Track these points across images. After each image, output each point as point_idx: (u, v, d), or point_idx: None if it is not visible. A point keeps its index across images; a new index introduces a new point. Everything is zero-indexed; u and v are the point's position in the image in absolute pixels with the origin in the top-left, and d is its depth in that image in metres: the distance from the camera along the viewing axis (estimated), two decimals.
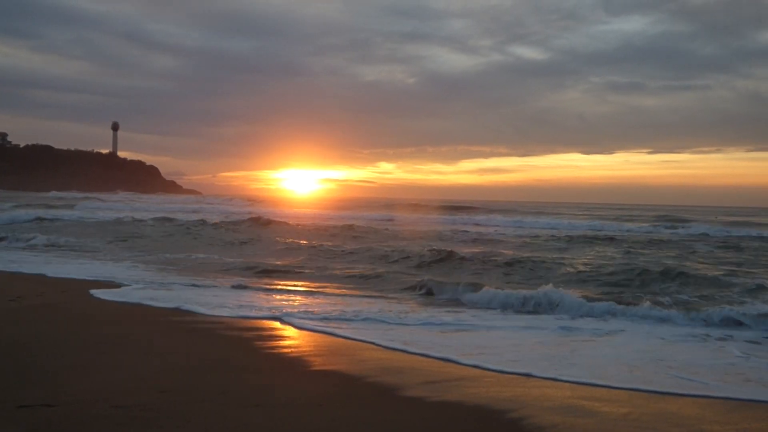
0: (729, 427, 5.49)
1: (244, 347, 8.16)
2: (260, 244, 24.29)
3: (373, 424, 5.34)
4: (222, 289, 13.19)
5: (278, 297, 12.55)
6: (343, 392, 6.26)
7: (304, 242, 24.45)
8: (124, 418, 5.13)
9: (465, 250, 20.55)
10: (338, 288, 14.06)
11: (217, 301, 11.62)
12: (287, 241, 25.10)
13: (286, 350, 8.11)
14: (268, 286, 13.79)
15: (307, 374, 6.97)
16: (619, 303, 11.58)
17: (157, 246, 22.79)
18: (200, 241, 25.41)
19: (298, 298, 12.62)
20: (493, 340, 9.03)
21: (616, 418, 5.63)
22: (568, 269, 16.89)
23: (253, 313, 10.46)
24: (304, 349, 8.24)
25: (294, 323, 9.75)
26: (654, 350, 8.56)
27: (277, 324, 9.76)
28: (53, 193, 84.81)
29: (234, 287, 13.50)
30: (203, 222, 34.84)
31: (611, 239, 28.76)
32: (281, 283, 14.55)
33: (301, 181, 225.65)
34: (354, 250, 21.61)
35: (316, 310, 10.96)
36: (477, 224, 42.94)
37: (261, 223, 35.27)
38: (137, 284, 13.41)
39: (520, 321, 10.64)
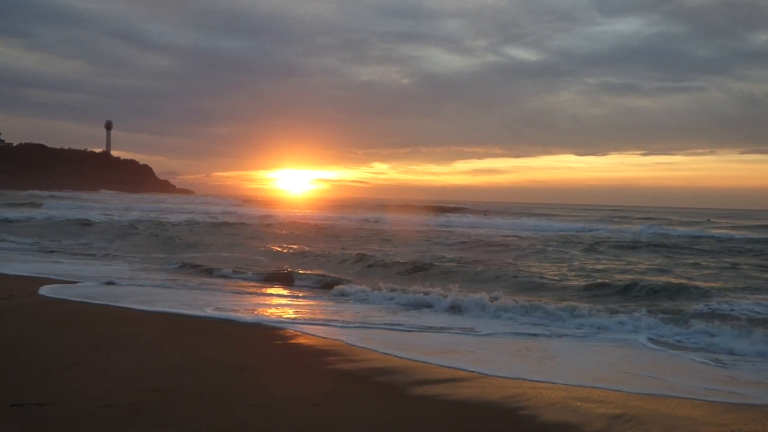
0: (723, 428, 5.51)
1: (234, 347, 8.16)
2: (224, 246, 24.04)
3: (371, 423, 5.34)
4: (186, 289, 13.25)
5: (253, 298, 12.59)
6: (338, 392, 6.27)
7: (274, 246, 24.42)
8: (118, 417, 5.10)
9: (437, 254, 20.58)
10: (305, 290, 14.08)
11: (185, 298, 11.82)
12: (256, 245, 24.75)
13: (276, 350, 8.11)
14: (228, 287, 13.80)
15: (300, 374, 6.96)
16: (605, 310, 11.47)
17: (115, 247, 22.79)
18: (168, 242, 25.05)
19: (272, 299, 12.72)
20: (458, 340, 9.22)
21: (611, 417, 5.65)
22: (543, 274, 16.68)
23: (234, 315, 10.36)
24: (296, 349, 8.23)
25: (273, 324, 9.72)
26: (642, 357, 8.62)
27: (259, 324, 9.72)
28: (29, 192, 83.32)
29: (198, 288, 13.45)
30: (173, 222, 34.84)
31: (597, 240, 28.71)
32: (248, 284, 14.73)
33: (295, 181, 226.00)
34: (322, 251, 21.47)
35: (296, 312, 11.03)
36: (470, 226, 42.98)
37: (226, 224, 35.60)
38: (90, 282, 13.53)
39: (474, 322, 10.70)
